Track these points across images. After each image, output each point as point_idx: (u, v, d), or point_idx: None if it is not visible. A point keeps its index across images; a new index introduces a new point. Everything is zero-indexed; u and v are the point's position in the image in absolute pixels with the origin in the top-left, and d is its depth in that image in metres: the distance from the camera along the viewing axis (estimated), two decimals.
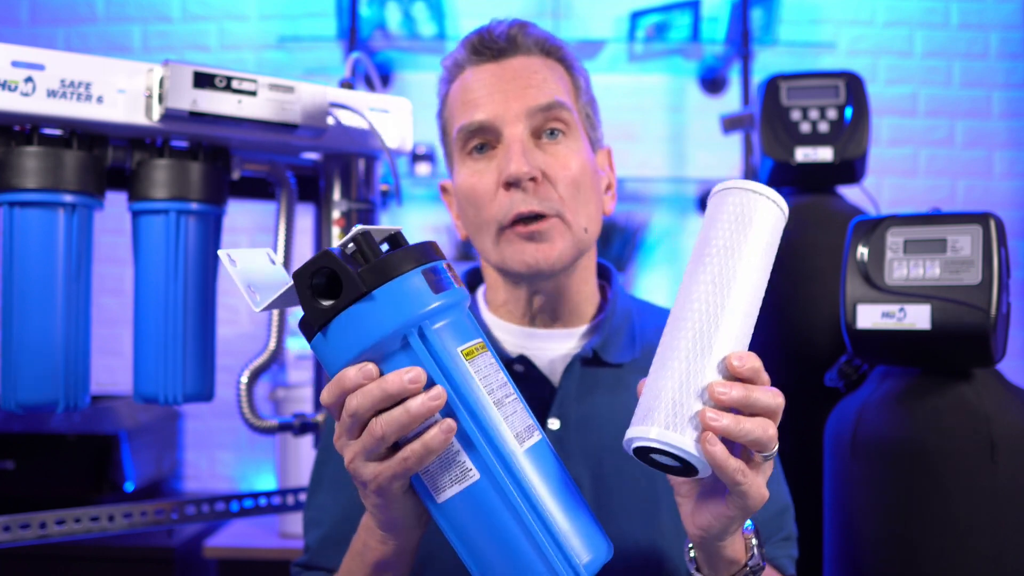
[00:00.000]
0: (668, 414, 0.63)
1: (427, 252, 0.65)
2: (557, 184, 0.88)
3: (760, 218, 0.67)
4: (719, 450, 0.62)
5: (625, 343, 0.95)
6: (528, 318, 0.95)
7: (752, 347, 0.67)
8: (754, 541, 0.74)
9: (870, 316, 1.02)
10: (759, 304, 0.67)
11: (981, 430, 0.96)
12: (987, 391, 1.00)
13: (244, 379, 1.15)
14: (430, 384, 0.62)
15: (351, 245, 0.63)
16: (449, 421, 0.62)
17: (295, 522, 1.99)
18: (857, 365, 1.14)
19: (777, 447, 0.66)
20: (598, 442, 0.89)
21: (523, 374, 0.92)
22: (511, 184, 0.87)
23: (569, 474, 0.69)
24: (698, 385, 0.63)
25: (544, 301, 0.93)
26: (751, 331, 0.67)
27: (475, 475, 0.64)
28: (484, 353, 0.67)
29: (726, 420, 0.62)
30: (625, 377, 0.92)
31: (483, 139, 0.90)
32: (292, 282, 0.63)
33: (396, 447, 0.64)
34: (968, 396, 0.99)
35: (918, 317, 0.99)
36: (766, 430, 0.63)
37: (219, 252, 0.65)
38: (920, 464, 0.98)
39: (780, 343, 1.29)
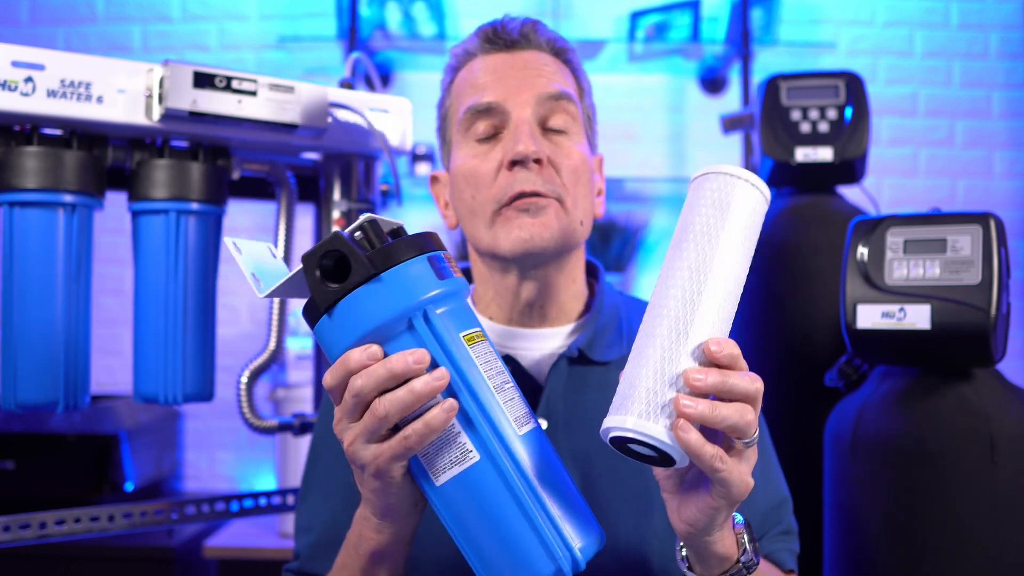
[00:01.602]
0: (643, 403, 0.62)
1: (430, 241, 0.67)
2: (561, 171, 0.89)
3: (739, 202, 0.67)
4: (694, 437, 0.61)
5: (612, 340, 0.94)
6: (516, 313, 0.94)
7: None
8: (745, 537, 0.74)
9: (870, 316, 1.02)
10: (740, 290, 0.67)
11: (981, 430, 0.96)
12: (987, 391, 1.00)
13: (244, 379, 1.15)
14: (433, 366, 0.63)
15: (359, 232, 0.65)
16: (451, 401, 0.63)
17: None
18: (857, 365, 1.14)
19: (757, 433, 0.65)
20: (587, 441, 0.89)
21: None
22: (516, 163, 0.87)
23: (563, 463, 0.69)
24: (674, 372, 0.63)
25: (532, 293, 0.93)
26: (731, 317, 0.66)
27: (475, 456, 0.64)
28: (483, 341, 0.68)
29: (701, 406, 0.61)
30: (613, 375, 0.91)
31: (490, 121, 0.90)
32: (297, 268, 0.65)
33: (396, 429, 0.64)
34: (968, 396, 0.99)
35: (918, 317, 0.99)
36: (743, 415, 0.63)
37: (225, 239, 0.66)
38: (920, 464, 0.98)
39: (780, 343, 1.29)
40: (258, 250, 0.70)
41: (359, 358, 0.63)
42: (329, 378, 0.65)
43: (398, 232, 0.69)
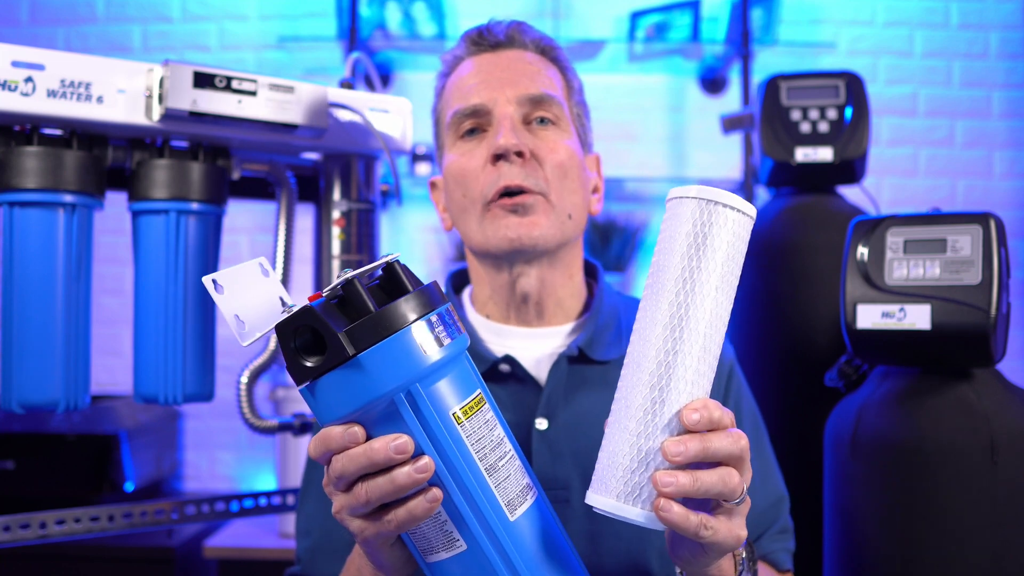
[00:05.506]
0: (622, 482, 0.61)
1: (425, 300, 0.60)
2: (544, 165, 0.89)
3: (718, 233, 0.62)
4: (675, 514, 0.59)
5: (611, 339, 0.94)
6: (513, 311, 0.94)
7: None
8: (743, 555, 0.73)
9: (870, 316, 1.01)
10: (722, 334, 0.64)
11: (981, 430, 0.96)
12: (987, 391, 1.00)
13: (244, 379, 1.15)
14: (419, 451, 0.60)
15: (339, 292, 0.59)
16: (435, 491, 0.60)
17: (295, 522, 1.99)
18: (857, 365, 1.14)
19: (747, 487, 0.63)
20: (587, 441, 0.88)
21: (509, 374, 0.92)
22: (499, 157, 0.88)
23: (564, 533, 0.68)
24: (652, 447, 0.60)
25: (526, 289, 0.92)
26: (713, 367, 0.63)
27: (462, 545, 0.63)
28: (482, 409, 0.63)
29: (682, 480, 0.59)
30: (612, 374, 0.91)
31: (475, 122, 0.91)
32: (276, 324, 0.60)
33: (384, 506, 0.63)
34: (968, 396, 0.99)
35: (918, 317, 0.99)
36: (727, 482, 0.61)
37: (204, 279, 0.60)
38: (920, 464, 0.98)
39: (780, 343, 1.29)
40: (245, 275, 0.62)
41: (339, 439, 0.60)
42: (312, 449, 0.62)
43: (391, 271, 0.62)
